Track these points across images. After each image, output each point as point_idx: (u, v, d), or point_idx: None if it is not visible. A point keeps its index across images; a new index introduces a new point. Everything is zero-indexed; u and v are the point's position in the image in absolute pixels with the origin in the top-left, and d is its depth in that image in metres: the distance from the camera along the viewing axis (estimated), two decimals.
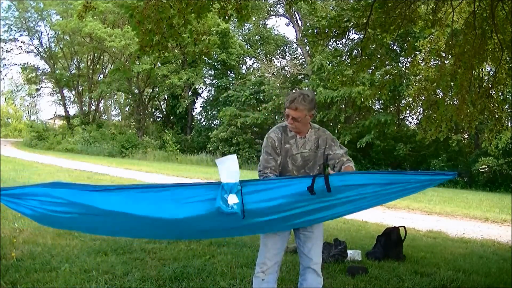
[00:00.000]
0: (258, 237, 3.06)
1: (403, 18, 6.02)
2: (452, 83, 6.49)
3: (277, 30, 42.91)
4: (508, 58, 6.20)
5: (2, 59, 33.90)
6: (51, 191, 2.40)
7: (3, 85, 48.77)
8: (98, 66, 34.77)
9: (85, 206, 2.38)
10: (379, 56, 6.75)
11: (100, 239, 4.98)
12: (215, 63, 27.77)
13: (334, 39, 9.78)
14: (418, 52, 8.96)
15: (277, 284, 2.97)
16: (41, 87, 39.23)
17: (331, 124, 21.87)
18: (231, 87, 26.30)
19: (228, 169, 2.48)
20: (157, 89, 31.39)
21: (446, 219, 8.84)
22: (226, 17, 5.26)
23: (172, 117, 30.94)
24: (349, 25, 6.36)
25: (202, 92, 30.92)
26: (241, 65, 29.68)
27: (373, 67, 7.00)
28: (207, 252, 4.72)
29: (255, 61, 30.03)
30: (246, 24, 27.40)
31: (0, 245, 4.39)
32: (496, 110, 6.75)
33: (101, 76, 35.34)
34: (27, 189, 2.42)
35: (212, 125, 28.00)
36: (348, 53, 7.53)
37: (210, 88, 29.76)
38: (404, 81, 17.09)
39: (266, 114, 22.82)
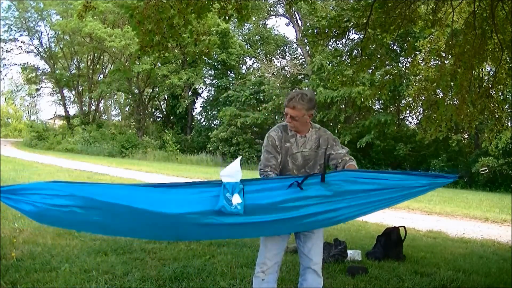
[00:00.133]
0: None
1: (403, 18, 6.02)
2: (452, 83, 6.49)
3: (277, 30, 42.97)
4: (508, 58, 6.20)
5: (2, 59, 33.96)
6: (51, 185, 2.40)
7: (3, 85, 48.82)
8: (98, 66, 34.78)
9: (85, 199, 2.35)
10: (379, 56, 6.75)
11: (100, 239, 4.98)
12: (215, 63, 27.79)
13: (334, 39, 9.78)
14: (418, 52, 8.96)
15: (277, 284, 2.97)
16: (41, 87, 39.31)
17: (331, 124, 21.86)
18: (231, 87, 26.31)
19: (230, 168, 2.48)
20: (157, 89, 31.40)
21: (446, 219, 8.84)
22: (226, 17, 5.25)
23: (172, 117, 30.95)
24: (349, 25, 6.36)
25: (202, 92, 30.99)
26: (241, 65, 29.71)
27: (373, 67, 7.00)
28: (207, 252, 4.72)
29: (255, 61, 30.06)
30: (246, 24, 27.41)
31: (0, 245, 4.39)
32: (496, 110, 6.75)
33: (101, 76, 35.38)
34: (27, 185, 2.41)
35: (212, 125, 28.01)
36: (348, 53, 7.52)
37: (210, 88, 29.80)
38: (404, 81, 17.09)
39: (266, 114, 22.82)
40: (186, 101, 28.10)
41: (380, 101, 21.80)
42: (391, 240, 4.93)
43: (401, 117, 23.05)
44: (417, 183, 2.70)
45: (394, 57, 16.15)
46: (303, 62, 27.13)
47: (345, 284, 3.87)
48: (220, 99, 26.10)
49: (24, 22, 32.00)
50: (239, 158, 2.62)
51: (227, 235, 3.77)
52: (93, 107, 36.02)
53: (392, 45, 15.61)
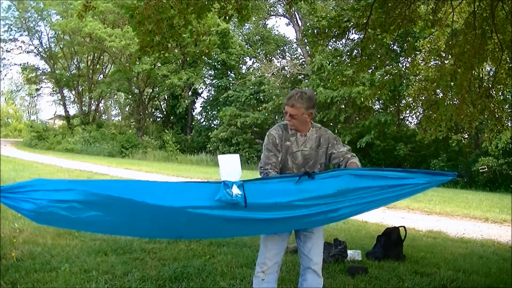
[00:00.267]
0: (258, 237, 3.06)
1: (403, 18, 6.02)
2: (452, 83, 6.49)
3: (277, 30, 42.97)
4: (508, 58, 6.20)
5: (2, 59, 33.98)
6: (50, 181, 2.38)
7: (3, 85, 48.83)
8: (98, 66, 34.80)
9: (84, 192, 2.32)
10: (379, 56, 6.76)
11: (100, 239, 4.98)
12: (215, 63, 27.80)
13: (334, 39, 9.77)
14: (418, 52, 8.97)
15: (277, 284, 2.97)
16: (41, 87, 39.32)
17: (331, 124, 21.86)
18: (231, 87, 26.31)
19: (230, 168, 2.48)
20: (157, 89, 31.41)
21: (446, 219, 8.84)
22: (226, 17, 5.25)
23: (172, 117, 30.96)
24: (349, 25, 6.37)
25: (202, 92, 31.00)
26: (241, 65, 29.71)
27: (373, 67, 7.00)
28: (207, 252, 4.72)
29: (255, 61, 30.07)
30: (246, 24, 27.43)
31: (0, 245, 4.39)
32: (496, 110, 6.75)
33: (101, 76, 35.40)
34: (26, 182, 2.39)
35: (212, 125, 28.02)
36: (348, 53, 7.53)
37: (210, 88, 29.81)
38: (404, 81, 17.09)
39: (266, 114, 22.83)
40: (186, 101, 28.11)
41: (380, 101, 21.80)
42: (391, 240, 4.93)
43: (401, 117, 23.05)
44: (417, 181, 2.71)
45: (394, 57, 16.15)
46: (303, 62, 27.13)
47: (345, 284, 3.87)
48: (220, 99, 26.11)
49: (24, 22, 32.02)
50: (238, 155, 2.62)
51: (227, 233, 3.77)
52: (93, 107, 36.04)
53: (392, 45, 15.61)
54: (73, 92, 36.22)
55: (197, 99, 30.63)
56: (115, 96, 39.87)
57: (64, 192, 2.32)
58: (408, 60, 12.94)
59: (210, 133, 25.48)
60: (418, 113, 18.12)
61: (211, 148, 25.09)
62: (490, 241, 6.59)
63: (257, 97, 24.11)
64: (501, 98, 7.27)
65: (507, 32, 5.76)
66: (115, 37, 25.11)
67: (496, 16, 5.56)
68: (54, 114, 47.05)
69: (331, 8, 23.01)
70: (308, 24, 22.76)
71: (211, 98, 28.85)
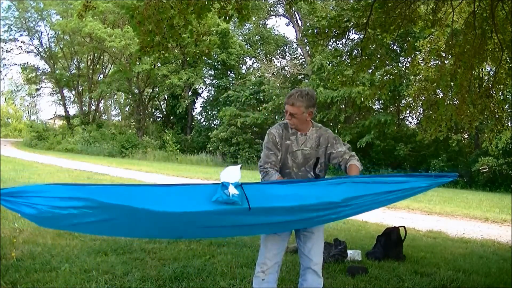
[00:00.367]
0: (258, 237, 3.07)
1: (403, 18, 6.02)
2: (452, 83, 6.49)
3: (277, 30, 42.96)
4: (508, 58, 6.20)
5: (2, 59, 33.97)
6: (52, 187, 2.38)
7: (3, 85, 48.84)
8: (98, 66, 34.78)
9: (86, 200, 2.34)
10: (379, 56, 6.76)
11: (100, 239, 4.98)
12: (215, 63, 27.79)
13: (334, 39, 9.77)
14: (418, 52, 8.97)
15: (277, 284, 2.97)
16: (41, 87, 39.29)
17: (331, 124, 21.85)
18: (231, 87, 26.30)
19: (229, 172, 2.48)
20: (157, 89, 31.40)
21: (446, 219, 8.84)
22: (226, 17, 5.25)
23: (172, 117, 30.95)
24: (349, 25, 6.36)
25: (202, 92, 30.99)
26: (241, 65, 29.70)
27: (373, 67, 7.00)
28: (207, 252, 4.72)
29: (255, 61, 30.06)
30: (246, 24, 27.37)
31: (0, 245, 4.39)
32: (496, 110, 6.75)
33: (101, 76, 35.38)
34: (27, 187, 2.41)
35: (212, 125, 28.02)
36: (348, 53, 7.53)
37: (210, 88, 29.80)
38: (404, 81, 17.09)
39: (266, 114, 22.83)
40: (186, 101, 28.11)
41: (380, 101, 21.80)
42: (391, 240, 4.93)
43: (401, 117, 23.05)
44: (419, 184, 2.72)
45: (394, 57, 16.14)
46: (303, 62, 27.13)
47: (345, 284, 3.87)
48: (220, 99, 26.10)
49: (24, 22, 32.01)
50: (239, 165, 2.62)
51: (227, 234, 3.78)
52: (93, 107, 36.03)
53: (392, 45, 15.60)
54: (73, 92, 36.22)
55: (197, 99, 30.65)
56: (115, 96, 39.88)
57: (64, 200, 2.34)
58: (408, 60, 12.94)
59: (210, 133, 25.48)
60: (418, 113, 18.13)
61: (211, 148, 25.09)
62: (490, 241, 6.59)
63: (257, 97, 24.11)
64: (501, 98, 7.27)
65: (507, 32, 5.76)
66: (115, 37, 25.10)
67: (496, 16, 5.57)
68: (54, 114, 47.08)
69: (331, 8, 23.00)
70: (308, 24, 22.77)
71: (211, 98, 28.85)
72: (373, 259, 4.75)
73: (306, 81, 23.39)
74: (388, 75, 7.61)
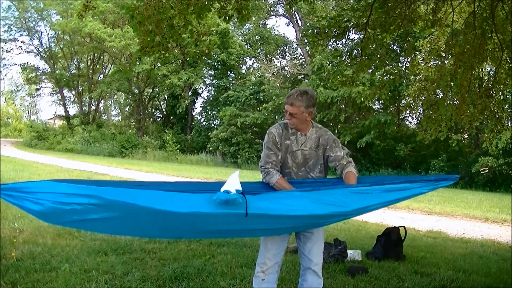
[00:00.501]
0: (258, 237, 3.06)
1: (403, 18, 6.02)
2: (452, 83, 6.49)
3: (277, 30, 43.02)
4: (508, 58, 6.20)
5: (2, 59, 33.98)
6: (57, 184, 2.40)
7: (3, 85, 48.84)
8: (98, 66, 34.78)
9: (90, 196, 2.35)
10: (379, 56, 6.76)
11: (100, 239, 4.98)
12: (215, 63, 27.78)
13: (334, 39, 9.77)
14: (418, 52, 8.96)
15: (277, 284, 2.97)
16: (41, 87, 39.29)
17: (331, 124, 21.86)
18: (231, 87, 26.30)
19: (229, 183, 2.50)
20: (157, 89, 31.41)
21: (446, 219, 8.84)
22: (226, 17, 5.25)
23: (172, 117, 30.95)
24: (349, 25, 6.36)
25: (202, 92, 30.98)
26: (241, 65, 29.69)
27: (373, 67, 7.00)
28: (207, 252, 4.72)
29: (255, 61, 30.05)
30: (246, 24, 27.36)
31: (0, 245, 4.39)
32: (496, 110, 6.75)
33: (101, 76, 35.39)
34: (30, 183, 2.41)
35: (212, 125, 28.01)
36: (348, 53, 7.52)
37: (210, 88, 29.78)
38: (404, 81, 17.08)
39: (266, 114, 22.83)
40: (186, 101, 28.11)
41: (380, 101, 21.80)
42: (391, 240, 4.93)
43: (401, 117, 23.04)
44: (421, 190, 2.75)
45: (394, 57, 16.14)
46: (303, 62, 27.13)
47: (345, 284, 3.87)
48: (220, 99, 26.10)
49: (24, 22, 32.00)
50: (237, 171, 2.62)
51: (227, 236, 3.78)
52: (93, 107, 36.02)
53: (392, 45, 15.61)
54: (73, 92, 36.22)
55: (197, 99, 30.64)
56: (115, 96, 39.89)
57: (69, 196, 2.34)
58: (408, 60, 12.93)
59: (210, 133, 25.48)
60: (418, 113, 18.16)
61: (211, 148, 25.09)
62: (490, 241, 6.59)
63: (257, 97, 24.10)
64: (501, 98, 7.26)
65: (507, 32, 5.76)
66: (115, 37, 25.10)
67: (496, 16, 5.57)
68: (54, 114, 47.09)
69: (331, 8, 23.00)
70: (308, 24, 22.74)
71: (211, 98, 28.85)
72: (373, 259, 4.75)
73: (306, 81, 23.38)
74: (388, 75, 7.61)
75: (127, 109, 38.38)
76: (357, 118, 22.51)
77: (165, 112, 32.91)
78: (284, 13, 28.53)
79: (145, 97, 32.04)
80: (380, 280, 4.04)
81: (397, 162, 20.41)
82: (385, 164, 20.39)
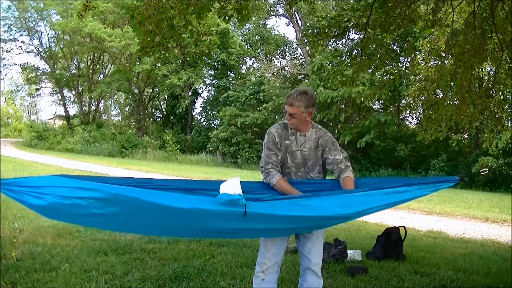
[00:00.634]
0: None
1: (403, 18, 6.02)
2: (452, 83, 6.49)
3: (277, 30, 42.97)
4: (508, 58, 6.20)
5: (2, 59, 33.97)
6: (59, 178, 2.40)
7: (3, 85, 48.84)
8: (98, 66, 34.78)
9: (93, 190, 2.35)
10: (379, 56, 6.76)
11: (100, 239, 4.99)
12: (215, 63, 27.78)
13: (334, 39, 9.77)
14: (418, 52, 8.96)
15: (277, 284, 2.97)
16: (41, 87, 39.27)
17: (331, 124, 21.87)
18: (231, 87, 26.30)
19: (229, 185, 2.50)
20: (157, 89, 31.41)
21: (446, 219, 8.85)
22: (226, 17, 5.25)
23: (172, 117, 30.95)
24: (349, 25, 6.36)
25: (202, 92, 31.00)
26: (241, 65, 29.69)
27: (373, 67, 7.00)
28: (207, 252, 4.72)
29: (255, 61, 30.05)
30: (246, 24, 27.36)
31: (0, 245, 4.39)
32: (496, 110, 6.75)
33: (101, 76, 35.38)
34: (31, 178, 2.40)
35: (212, 125, 28.01)
36: (348, 53, 7.52)
37: (210, 88, 29.79)
38: (404, 81, 17.08)
39: (266, 114, 22.83)
40: (186, 101, 28.12)
41: (380, 101, 21.80)
42: (391, 240, 4.93)
43: (401, 117, 23.05)
44: (421, 193, 2.77)
45: (394, 57, 16.13)
46: (303, 62, 27.13)
47: (345, 284, 3.87)
48: (220, 99, 26.10)
49: (24, 22, 31.99)
50: (238, 177, 2.63)
51: (227, 235, 3.78)
52: (93, 107, 36.02)
53: (392, 45, 15.60)
54: (73, 92, 36.20)
55: (197, 99, 30.65)
56: (115, 96, 39.87)
57: (72, 190, 2.33)
58: (408, 60, 12.93)
59: (210, 133, 25.48)
60: (418, 113, 18.16)
61: (211, 148, 25.09)
62: (490, 241, 6.59)
63: (257, 97, 24.11)
64: (501, 98, 7.26)
65: (507, 32, 5.76)
66: (115, 37, 25.10)
67: (496, 16, 5.57)
68: (54, 114, 47.06)
69: (331, 8, 23.01)
70: (308, 24, 22.72)
71: (211, 98, 28.85)
72: (373, 259, 4.75)
73: (306, 81, 23.39)
74: (388, 75, 7.61)
75: (127, 109, 38.40)
76: (357, 118, 22.51)
77: (165, 112, 32.92)
78: (284, 13, 28.53)
79: (145, 97, 32.04)
80: (380, 280, 4.04)
81: (397, 162, 20.41)
82: (385, 164, 20.39)
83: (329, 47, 18.16)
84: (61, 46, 33.06)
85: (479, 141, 18.35)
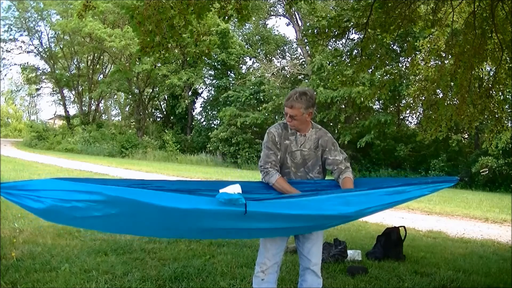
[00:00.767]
0: None
1: (403, 18, 6.02)
2: (452, 83, 6.49)
3: (277, 30, 43.02)
4: (508, 58, 6.20)
5: (2, 59, 33.98)
6: (58, 182, 2.40)
7: (3, 85, 48.85)
8: (98, 66, 34.79)
9: (92, 193, 2.34)
10: (379, 56, 6.76)
11: (100, 239, 4.99)
12: (215, 63, 27.79)
13: (334, 39, 9.77)
14: (418, 52, 8.96)
15: (277, 284, 2.97)
16: (41, 87, 39.29)
17: (331, 124, 21.87)
18: (231, 87, 26.31)
19: (229, 188, 2.50)
20: (157, 89, 31.41)
21: (446, 219, 8.85)
22: (226, 17, 5.26)
23: (172, 117, 30.96)
24: (349, 25, 6.36)
25: (202, 92, 31.00)
26: (241, 65, 29.70)
27: (373, 67, 7.00)
28: (207, 252, 4.73)
29: (255, 61, 30.06)
30: (246, 24, 27.37)
31: (0, 245, 4.39)
32: (496, 110, 6.75)
33: (101, 76, 35.39)
34: (30, 181, 2.40)
35: (212, 125, 28.02)
36: (348, 53, 7.52)
37: (210, 88, 29.80)
38: (404, 81, 17.09)
39: (266, 114, 22.83)
40: (186, 101, 28.12)
41: (380, 101, 21.80)
42: (391, 240, 4.93)
43: (401, 117, 23.05)
44: (420, 193, 2.76)
45: (394, 57, 16.14)
46: (303, 62, 27.13)
47: (345, 284, 3.87)
48: (220, 99, 26.10)
49: (24, 22, 32.00)
50: (238, 184, 2.65)
51: (226, 235, 3.78)
52: (93, 107, 36.02)
53: (392, 45, 15.61)
54: (73, 92, 36.21)
55: (197, 99, 30.66)
56: (115, 96, 39.87)
57: (71, 193, 2.34)
58: (408, 60, 12.93)
59: (210, 133, 25.49)
60: (418, 113, 18.17)
61: (211, 148, 25.10)
62: (490, 241, 6.59)
63: (257, 97, 24.11)
64: (501, 98, 7.26)
65: (507, 32, 5.76)
66: (115, 37, 25.11)
67: (496, 16, 5.57)
68: (54, 114, 47.08)
69: (331, 8, 23.02)
70: (308, 24, 22.72)
71: (211, 98, 28.85)
72: (373, 259, 4.75)
73: (306, 81, 23.39)
74: (388, 75, 7.61)
75: (127, 109, 38.40)
76: (357, 118, 22.52)
77: (165, 112, 32.92)
78: (284, 13, 28.54)
79: (145, 97, 32.05)
80: (380, 280, 4.04)
81: (397, 162, 20.42)
82: (385, 164, 20.40)
83: (329, 47, 18.18)
84: (61, 46, 33.07)
85: (479, 141, 18.36)
